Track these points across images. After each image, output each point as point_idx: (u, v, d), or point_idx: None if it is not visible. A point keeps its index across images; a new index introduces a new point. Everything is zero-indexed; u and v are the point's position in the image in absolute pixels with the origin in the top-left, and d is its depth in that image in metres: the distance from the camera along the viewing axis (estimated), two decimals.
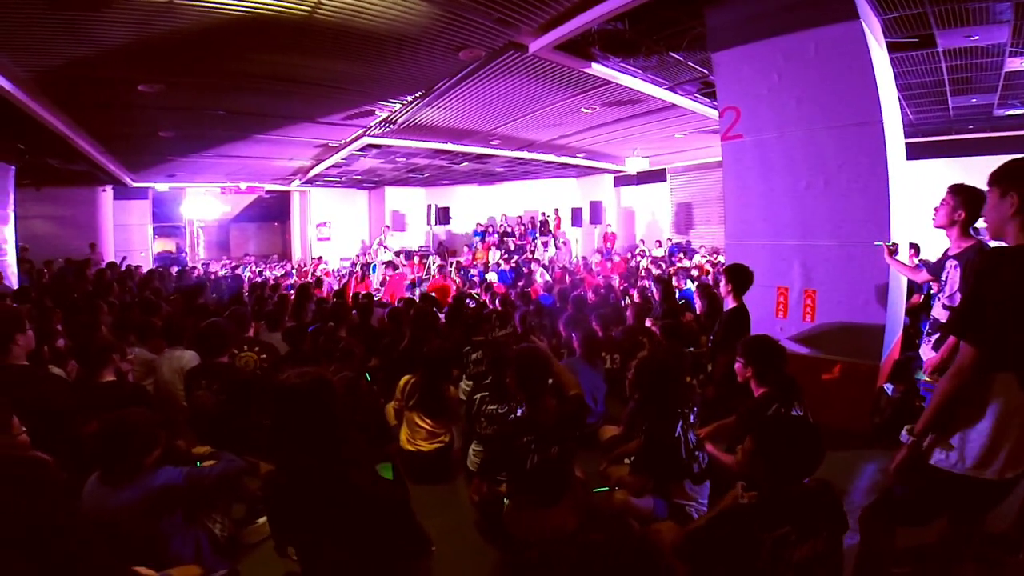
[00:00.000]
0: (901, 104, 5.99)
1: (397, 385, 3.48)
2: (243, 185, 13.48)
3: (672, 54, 5.09)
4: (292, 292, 9.21)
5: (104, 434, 1.79)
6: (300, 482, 1.35)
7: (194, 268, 12.59)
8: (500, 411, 3.08)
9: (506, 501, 2.50)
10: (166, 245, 16.53)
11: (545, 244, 14.78)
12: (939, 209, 2.83)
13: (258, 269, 14.27)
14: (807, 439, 1.74)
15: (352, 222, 17.09)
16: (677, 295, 7.68)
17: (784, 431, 1.81)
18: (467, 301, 7.35)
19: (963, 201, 2.69)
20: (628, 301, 7.07)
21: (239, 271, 12.63)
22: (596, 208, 14.10)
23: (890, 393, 3.77)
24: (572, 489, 2.48)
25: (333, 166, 11.24)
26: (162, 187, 13.92)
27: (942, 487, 1.71)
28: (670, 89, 6.19)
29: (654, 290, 6.99)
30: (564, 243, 14.99)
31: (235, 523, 2.32)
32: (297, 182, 14.47)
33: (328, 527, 1.34)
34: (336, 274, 13.26)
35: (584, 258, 13.78)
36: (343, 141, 8.91)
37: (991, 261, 1.62)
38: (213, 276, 11.05)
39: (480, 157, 10.61)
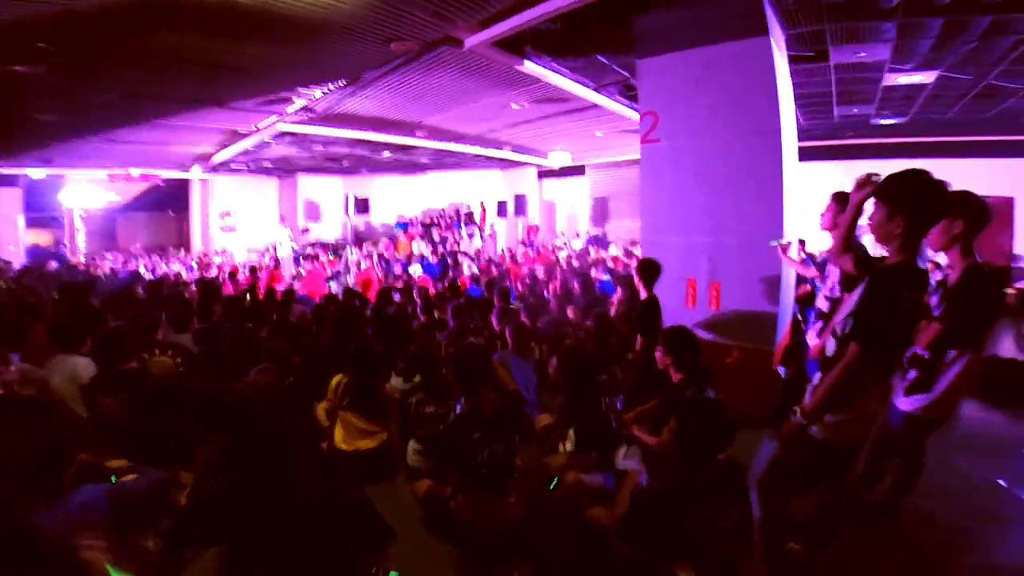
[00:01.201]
0: (795, 111, 6.68)
1: (328, 386, 3.35)
2: (135, 172, 12.10)
3: (600, 57, 5.28)
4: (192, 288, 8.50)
5: (9, 458, 1.56)
6: (262, 491, 1.29)
7: (79, 264, 11.10)
8: (439, 412, 3.10)
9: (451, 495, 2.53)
10: (40, 237, 14.41)
11: (471, 235, 14.80)
12: (824, 214, 3.17)
13: (152, 264, 12.88)
14: (721, 420, 1.97)
15: (260, 212, 15.88)
16: (597, 286, 8.06)
17: (702, 413, 2.03)
18: (392, 295, 7.21)
19: (843, 208, 2.96)
20: (550, 293, 7.30)
21: (131, 265, 11.32)
22: (521, 201, 14.36)
23: (783, 375, 4.20)
24: (516, 479, 2.57)
25: (241, 153, 10.39)
26: (37, 173, 12.09)
27: (819, 455, 1.98)
28: (595, 90, 6.43)
29: (574, 283, 7.25)
30: (491, 235, 15.10)
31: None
32: (198, 169, 13.26)
33: (295, 531, 1.28)
34: (244, 267, 12.36)
35: (509, 249, 14.00)
36: (255, 128, 8.28)
37: (888, 282, 1.84)
38: (103, 272, 9.86)
39: (405, 147, 10.32)
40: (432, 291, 8.04)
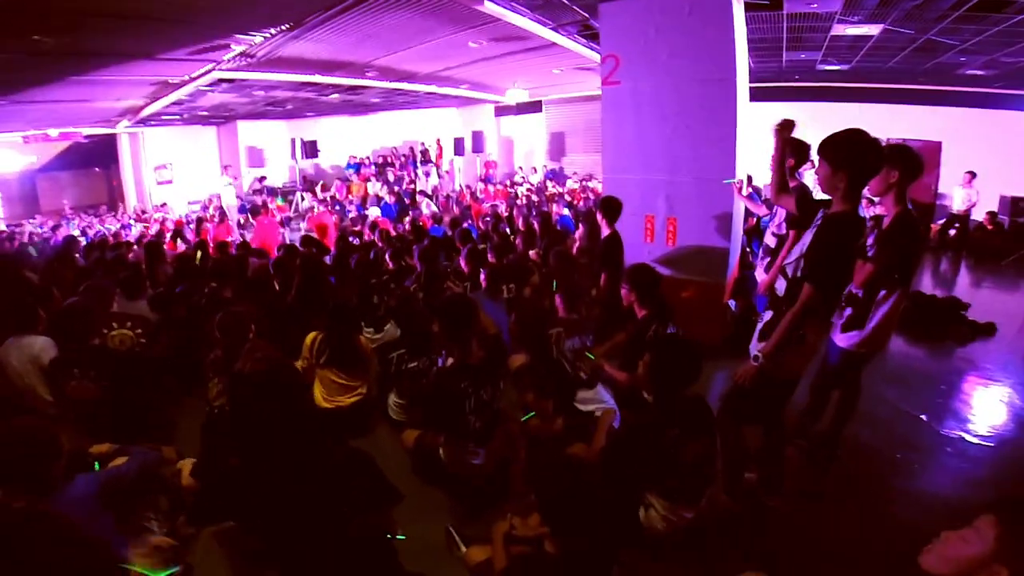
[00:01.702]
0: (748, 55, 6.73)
1: (302, 343, 3.26)
2: (53, 132, 10.94)
3: None
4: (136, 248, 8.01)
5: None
6: (275, 463, 1.35)
7: (6, 232, 10.13)
8: (422, 366, 3.12)
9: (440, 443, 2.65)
10: None
11: (427, 174, 14.44)
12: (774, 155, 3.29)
13: (84, 224, 11.94)
14: (692, 356, 2.13)
15: (199, 162, 14.81)
16: (558, 221, 8.17)
17: (675, 349, 2.19)
18: (351, 239, 7.04)
19: (791, 151, 3.14)
20: (511, 229, 7.33)
21: (61, 229, 10.45)
22: (478, 137, 14.06)
23: (733, 308, 4.50)
24: (502, 422, 2.70)
25: (173, 103, 9.49)
26: None
27: (774, 388, 2.25)
28: (554, 29, 6.22)
29: (534, 222, 7.28)
30: (447, 172, 14.80)
31: (166, 516, 2.18)
32: (126, 123, 12.03)
33: (311, 496, 1.37)
34: (187, 220, 11.66)
35: (468, 186, 13.82)
36: (187, 77, 7.51)
37: (838, 231, 2.03)
38: (30, 239, 9.09)
39: (353, 88, 9.70)
40: (392, 232, 7.90)
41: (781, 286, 2.28)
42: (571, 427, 2.67)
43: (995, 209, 8.71)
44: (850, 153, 1.96)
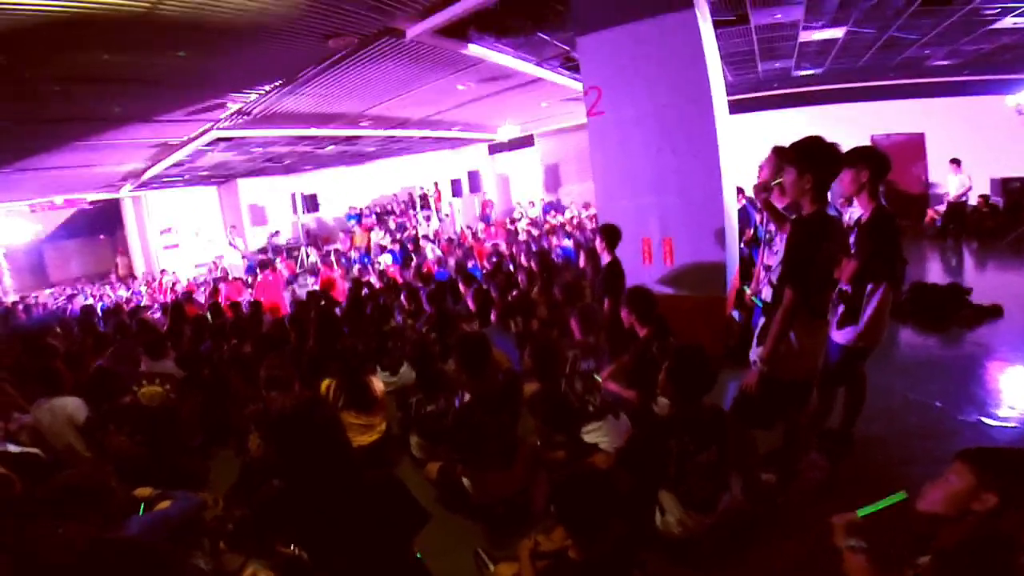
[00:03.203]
0: (723, 69, 7.02)
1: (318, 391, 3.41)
2: (59, 199, 11.34)
3: (540, 33, 5.40)
4: (155, 313, 8.24)
5: (63, 507, 1.64)
6: (316, 491, 1.46)
7: (22, 303, 10.41)
8: (439, 409, 3.18)
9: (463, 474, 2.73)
10: None
11: (427, 218, 14.76)
12: (763, 167, 3.31)
13: (99, 292, 12.25)
14: (705, 361, 2.21)
15: (202, 223, 15.16)
16: (559, 253, 8.34)
17: (689, 356, 2.24)
18: (362, 289, 7.23)
19: (782, 163, 3.12)
20: (515, 265, 7.49)
21: (76, 299, 10.73)
22: (474, 177, 14.42)
23: (737, 319, 4.56)
24: (521, 449, 2.78)
25: (174, 165, 9.89)
26: None
27: (776, 391, 2.33)
28: (537, 64, 6.54)
29: (532, 262, 7.43)
30: (447, 215, 15.10)
31: (211, 556, 2.27)
32: (128, 187, 12.48)
33: (352, 522, 1.47)
34: (195, 284, 11.94)
35: (468, 227, 14.09)
36: (187, 137, 7.91)
37: (805, 233, 2.18)
38: (50, 310, 9.36)
39: (349, 139, 10.10)
40: (399, 280, 8.11)
41: (767, 294, 2.40)
42: (573, 458, 2.72)
43: (986, 192, 8.83)
44: (812, 157, 2.12)
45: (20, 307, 9.71)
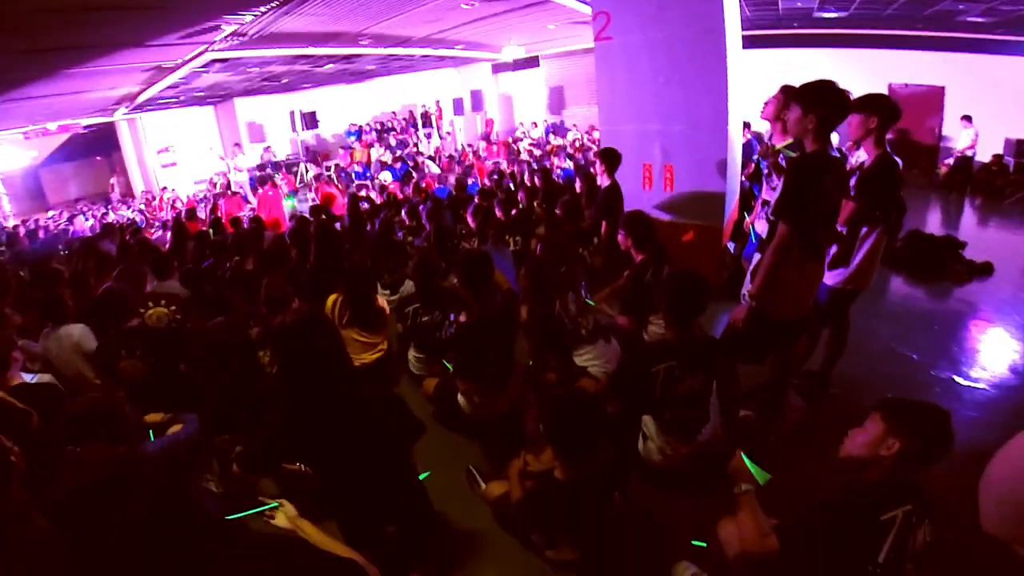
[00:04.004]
0: (741, 3, 6.56)
1: (324, 306, 3.42)
2: (52, 126, 11.04)
3: None
4: (157, 232, 8.27)
5: (77, 435, 1.67)
6: (320, 408, 1.55)
7: (23, 228, 10.37)
8: (436, 319, 3.26)
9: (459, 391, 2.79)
10: None
11: (428, 136, 14.43)
12: (768, 104, 3.22)
13: (100, 213, 12.15)
14: (699, 285, 2.23)
15: (199, 142, 14.79)
16: (560, 174, 8.24)
17: (683, 280, 2.25)
18: (361, 204, 7.19)
19: (788, 101, 2.96)
20: (515, 184, 7.42)
21: (78, 220, 10.70)
22: (477, 96, 13.99)
23: (732, 250, 4.56)
24: (516, 370, 2.88)
25: (168, 87, 9.51)
26: None
27: (765, 329, 2.39)
28: None
29: (536, 178, 7.34)
30: (448, 133, 14.75)
31: (220, 477, 2.44)
32: (123, 110, 12.05)
33: (354, 438, 1.57)
34: (194, 200, 11.87)
35: (470, 145, 13.81)
36: (180, 61, 7.53)
37: (802, 168, 2.17)
38: (51, 232, 9.34)
39: (348, 58, 9.62)
40: (399, 196, 8.05)
41: (763, 229, 2.40)
42: (564, 381, 2.79)
43: (1000, 151, 8.63)
44: (819, 98, 2.10)
45: (22, 232, 9.69)
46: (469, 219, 5.00)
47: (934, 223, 6.90)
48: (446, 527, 2.28)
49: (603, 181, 4.13)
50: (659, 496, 2.35)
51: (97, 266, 4.72)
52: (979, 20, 7.55)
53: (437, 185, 8.64)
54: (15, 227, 10.60)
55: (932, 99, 9.34)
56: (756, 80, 5.25)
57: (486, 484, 2.42)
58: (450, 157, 12.14)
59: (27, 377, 2.72)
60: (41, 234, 9.69)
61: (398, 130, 14.82)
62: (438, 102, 14.65)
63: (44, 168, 15.36)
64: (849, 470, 1.54)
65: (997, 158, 8.53)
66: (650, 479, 2.36)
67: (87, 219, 11.34)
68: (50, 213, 13.24)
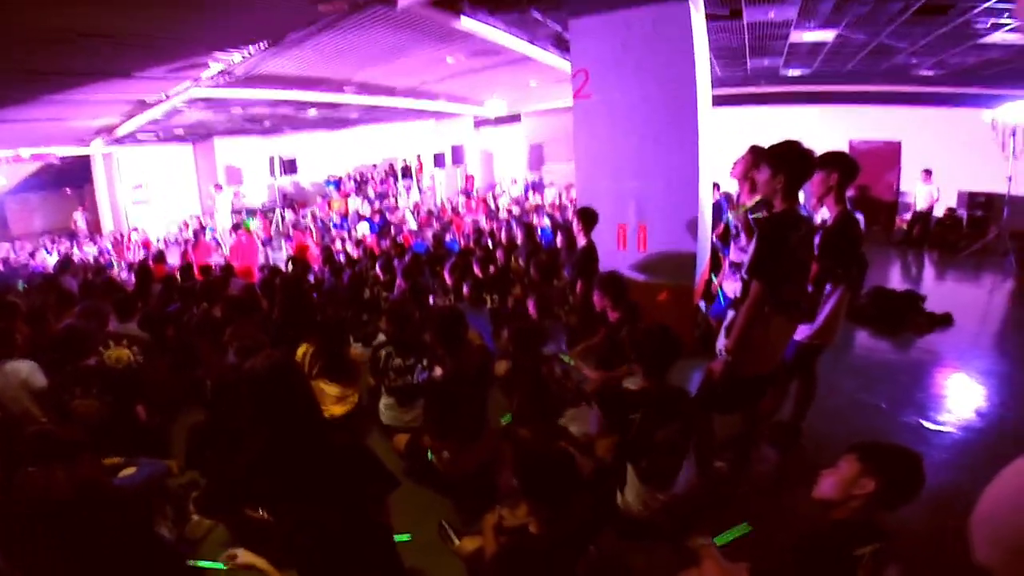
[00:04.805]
0: (712, 63, 7.05)
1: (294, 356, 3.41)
2: (26, 153, 10.81)
3: (533, 12, 5.33)
4: (122, 271, 8.02)
5: (40, 456, 1.60)
6: (287, 454, 1.49)
7: None
8: (407, 363, 3.24)
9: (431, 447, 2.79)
10: None
11: (408, 188, 14.60)
12: (737, 164, 3.40)
13: (64, 248, 11.76)
14: (669, 341, 2.30)
15: (175, 181, 14.67)
16: (538, 233, 8.37)
17: (655, 337, 2.33)
18: (336, 256, 7.17)
19: (756, 161, 3.12)
20: (493, 242, 7.52)
21: (39, 256, 10.33)
22: (458, 151, 14.30)
23: (703, 309, 4.69)
24: (489, 425, 2.87)
25: (150, 122, 9.50)
26: None
27: (739, 383, 2.46)
28: (529, 42, 6.46)
29: (516, 231, 7.49)
30: (428, 187, 14.97)
31: (174, 523, 2.30)
32: (100, 142, 11.96)
33: (319, 485, 1.51)
34: (165, 243, 11.63)
35: (449, 200, 14.00)
36: (165, 95, 7.58)
37: (773, 227, 2.29)
38: (10, 264, 8.99)
39: (332, 104, 9.82)
40: (376, 250, 8.05)
41: (737, 290, 2.49)
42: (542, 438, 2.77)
43: (954, 204, 9.12)
44: (787, 158, 2.23)
45: None
46: (446, 276, 5.04)
47: (895, 278, 7.23)
48: None
49: (580, 240, 4.21)
50: (634, 548, 2.32)
51: (57, 302, 4.53)
52: (930, 73, 8.20)
53: (414, 240, 8.70)
54: None
55: (890, 154, 9.96)
56: (726, 139, 5.53)
57: (459, 539, 2.32)
58: (429, 212, 12.30)
59: None
60: (0, 267, 9.30)
61: (377, 182, 15.00)
62: (419, 155, 14.95)
63: (10, 196, 14.84)
64: (821, 509, 1.57)
65: (950, 211, 8.97)
66: (628, 532, 2.33)
67: (49, 253, 10.95)
68: (8, 244, 12.74)
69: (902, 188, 10.01)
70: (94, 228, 14.61)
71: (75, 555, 1.12)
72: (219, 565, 1.53)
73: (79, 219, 14.31)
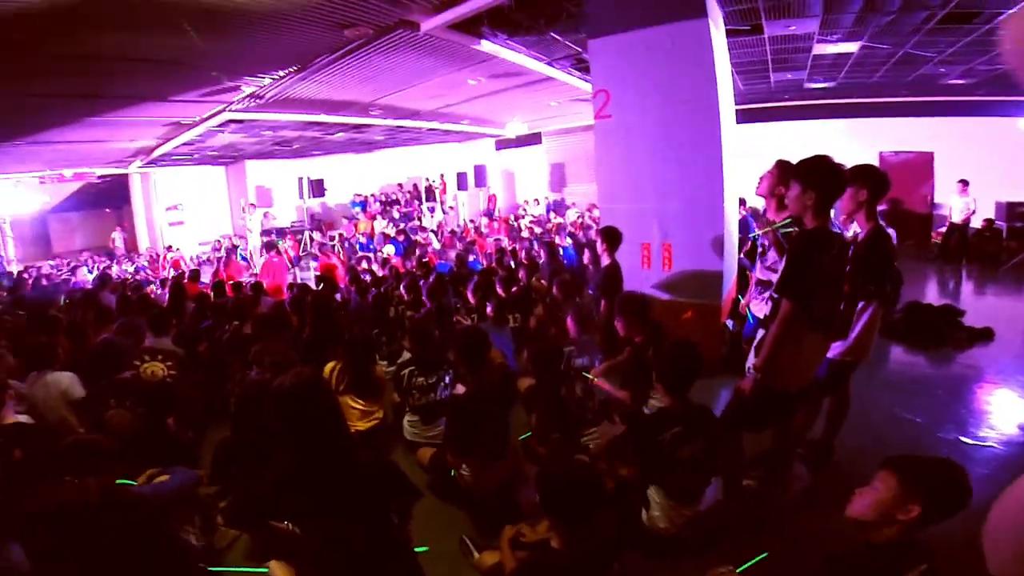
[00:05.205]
0: (734, 78, 7.04)
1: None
2: (68, 173, 11.39)
3: (552, 33, 5.44)
4: (157, 288, 8.33)
5: (72, 465, 1.69)
6: (314, 470, 1.52)
7: (26, 274, 10.48)
8: (430, 381, 3.28)
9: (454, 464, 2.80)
10: None
11: (432, 210, 14.82)
12: (763, 179, 3.28)
13: (103, 266, 12.30)
14: (692, 357, 2.28)
15: (208, 202, 15.30)
16: (561, 253, 8.38)
17: (678, 353, 2.32)
18: (362, 276, 7.31)
19: (783, 177, 3.08)
20: (515, 262, 7.57)
21: (79, 273, 10.81)
22: (480, 171, 14.46)
23: (731, 327, 4.59)
24: (512, 442, 2.86)
25: (184, 144, 9.96)
26: None
27: (769, 400, 2.38)
28: (548, 64, 6.58)
29: (540, 251, 7.53)
30: (451, 207, 15.16)
31: (202, 531, 2.35)
32: (138, 163, 12.51)
33: (346, 501, 1.53)
34: (198, 262, 12.04)
35: (472, 220, 14.14)
36: (199, 118, 7.96)
37: (804, 244, 2.23)
38: (52, 280, 9.43)
39: (358, 127, 10.15)
40: (402, 270, 8.19)
41: (768, 309, 2.44)
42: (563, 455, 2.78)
43: (991, 215, 8.78)
44: (817, 174, 2.18)
45: (28, 278, 9.78)
46: (469, 295, 5.09)
47: (932, 293, 6.98)
48: None
49: (604, 260, 4.20)
50: (659, 567, 2.26)
51: (96, 317, 4.73)
52: (960, 82, 7.99)
53: (438, 260, 8.82)
54: (19, 272, 10.67)
55: (923, 165, 9.66)
56: (750, 155, 5.49)
57: (479, 554, 2.31)
58: (452, 232, 12.46)
59: (21, 418, 2.70)
60: (43, 282, 9.76)
61: (402, 203, 15.29)
62: (442, 176, 15.20)
63: (53, 215, 15.58)
64: (856, 530, 1.47)
65: (988, 223, 8.61)
66: (653, 550, 2.27)
67: (90, 271, 11.44)
68: (51, 262, 13.37)
69: (936, 200, 9.71)
70: (131, 247, 15.25)
71: (96, 560, 1.16)
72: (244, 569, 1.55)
73: (117, 238, 14.96)
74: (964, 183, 8.64)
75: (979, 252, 8.37)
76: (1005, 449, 3.08)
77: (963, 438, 3.21)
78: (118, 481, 1.94)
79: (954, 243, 8.66)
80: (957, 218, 8.72)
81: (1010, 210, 8.66)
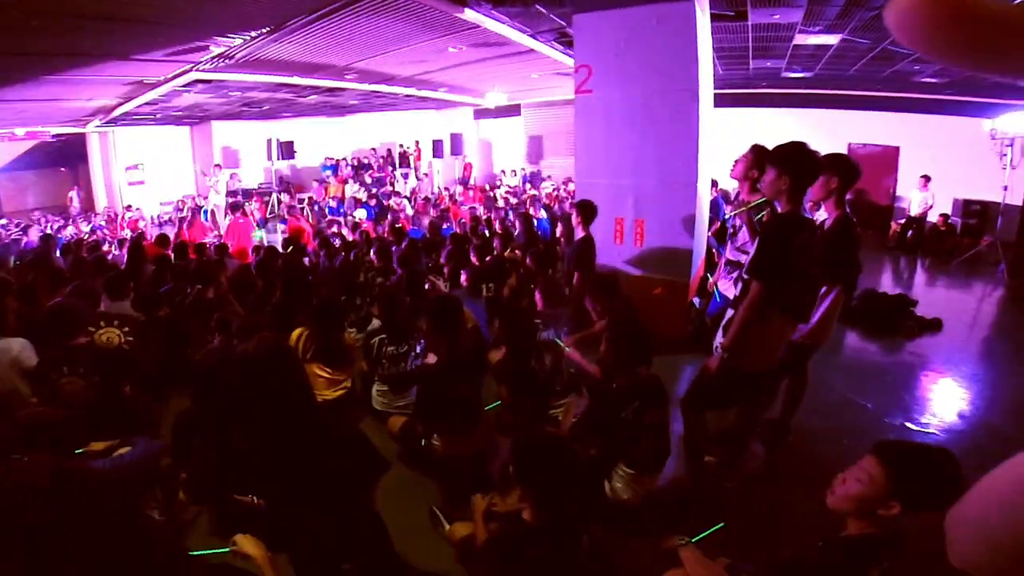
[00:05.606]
0: (714, 62, 7.05)
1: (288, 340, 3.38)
2: (20, 131, 10.69)
3: (538, 6, 5.30)
4: (115, 249, 7.97)
5: (28, 442, 1.62)
6: (280, 440, 1.48)
7: None
8: (400, 351, 3.28)
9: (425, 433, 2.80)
10: None
11: (405, 176, 14.52)
12: (738, 162, 3.32)
13: (57, 226, 11.63)
14: (642, 337, 2.39)
15: (172, 162, 14.56)
16: (535, 224, 8.36)
17: (625, 329, 2.44)
18: (332, 240, 7.14)
19: (757, 161, 3.16)
20: (490, 231, 7.52)
21: (33, 230, 10.22)
22: (457, 139, 14.21)
23: (697, 305, 4.73)
24: (483, 413, 2.88)
25: (147, 103, 9.37)
26: None
27: (735, 380, 2.46)
28: (532, 36, 6.43)
29: (515, 221, 7.48)
30: (426, 174, 14.89)
31: (165, 504, 2.29)
32: (96, 122, 11.75)
33: (314, 470, 1.51)
34: (159, 222, 11.53)
35: (447, 188, 13.94)
36: (163, 77, 7.47)
37: (777, 227, 2.29)
38: (1, 241, 8.89)
39: (332, 90, 9.74)
40: (372, 235, 8.02)
41: (737, 289, 2.50)
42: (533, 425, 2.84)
43: (948, 211, 9.16)
44: (793, 160, 2.22)
45: None
46: (443, 262, 5.03)
47: (887, 283, 7.29)
48: (406, 567, 2.17)
49: (578, 233, 4.22)
50: (621, 540, 2.34)
51: (50, 280, 4.49)
52: (932, 81, 8.22)
53: (411, 226, 8.66)
54: None
55: (888, 159, 9.99)
56: (725, 139, 5.54)
57: (450, 525, 2.33)
58: (426, 199, 12.24)
59: None
60: None
61: (375, 168, 14.90)
62: (417, 143, 14.87)
63: (3, 173, 14.65)
64: (837, 519, 1.44)
65: (944, 218, 9.00)
66: (616, 522, 2.35)
67: (43, 230, 10.82)
68: (2, 221, 12.60)
69: (898, 193, 10.07)
70: (88, 207, 14.48)
71: (53, 543, 1.10)
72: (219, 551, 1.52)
73: (74, 198, 14.18)
74: (926, 178, 9.01)
75: (934, 246, 8.75)
76: (947, 436, 3.25)
77: (908, 424, 3.40)
78: (76, 452, 1.89)
79: (911, 235, 9.04)
80: (915, 211, 9.12)
81: (965, 207, 9.04)
